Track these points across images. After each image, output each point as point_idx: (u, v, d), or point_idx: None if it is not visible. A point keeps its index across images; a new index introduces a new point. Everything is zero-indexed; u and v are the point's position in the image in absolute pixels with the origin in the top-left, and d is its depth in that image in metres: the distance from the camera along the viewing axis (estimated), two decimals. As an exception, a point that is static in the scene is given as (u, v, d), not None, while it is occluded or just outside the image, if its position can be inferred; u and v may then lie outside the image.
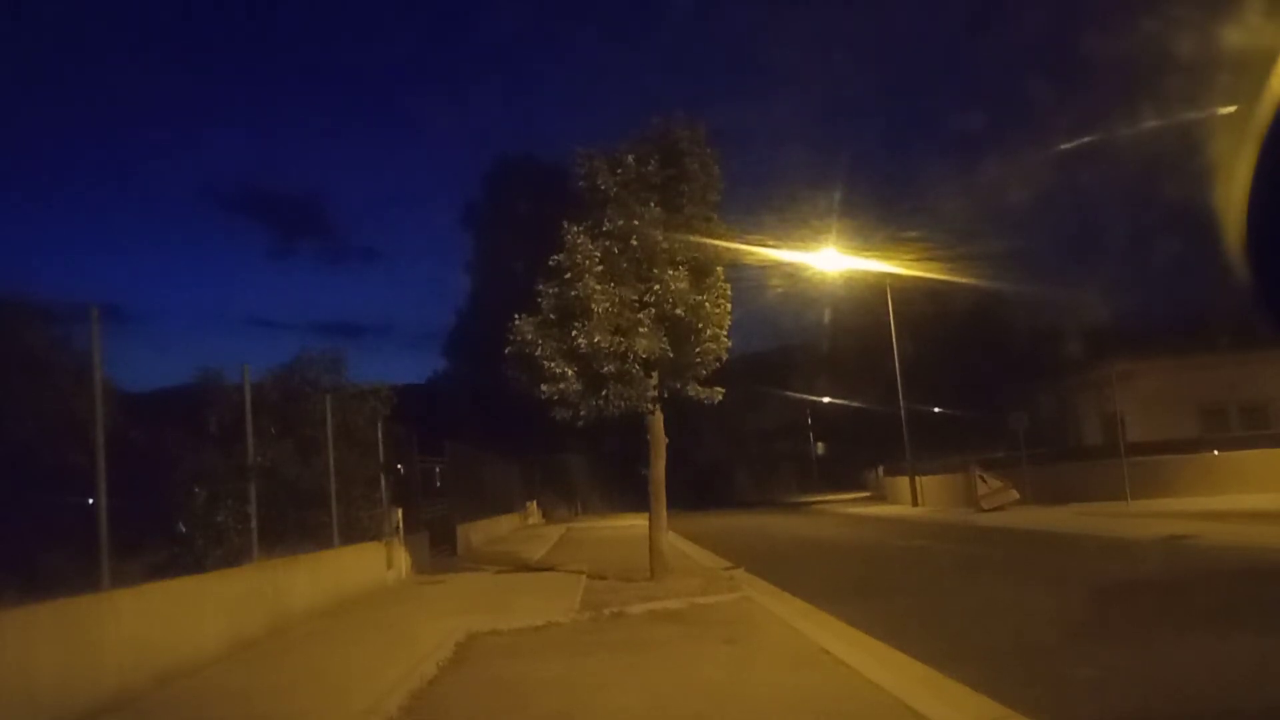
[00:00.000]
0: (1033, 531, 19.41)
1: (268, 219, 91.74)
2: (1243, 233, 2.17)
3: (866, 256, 26.62)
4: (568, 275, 11.89)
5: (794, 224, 22.30)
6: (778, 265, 20.26)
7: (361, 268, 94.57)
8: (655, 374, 12.23)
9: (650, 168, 12.15)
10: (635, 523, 21.46)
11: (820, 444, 59.55)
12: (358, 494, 12.84)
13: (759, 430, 53.94)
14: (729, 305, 12.33)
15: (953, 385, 35.64)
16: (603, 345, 11.66)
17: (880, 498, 41.43)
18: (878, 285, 33.68)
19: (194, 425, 9.99)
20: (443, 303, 75.12)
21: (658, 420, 12.55)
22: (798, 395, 48.46)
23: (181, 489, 9.05)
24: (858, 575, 14.13)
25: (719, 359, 12.32)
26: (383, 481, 13.81)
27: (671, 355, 12.00)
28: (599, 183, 12.14)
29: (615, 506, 41.73)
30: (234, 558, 9.01)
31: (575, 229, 12.02)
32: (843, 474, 54.54)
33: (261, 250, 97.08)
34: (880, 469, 43.46)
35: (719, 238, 12.37)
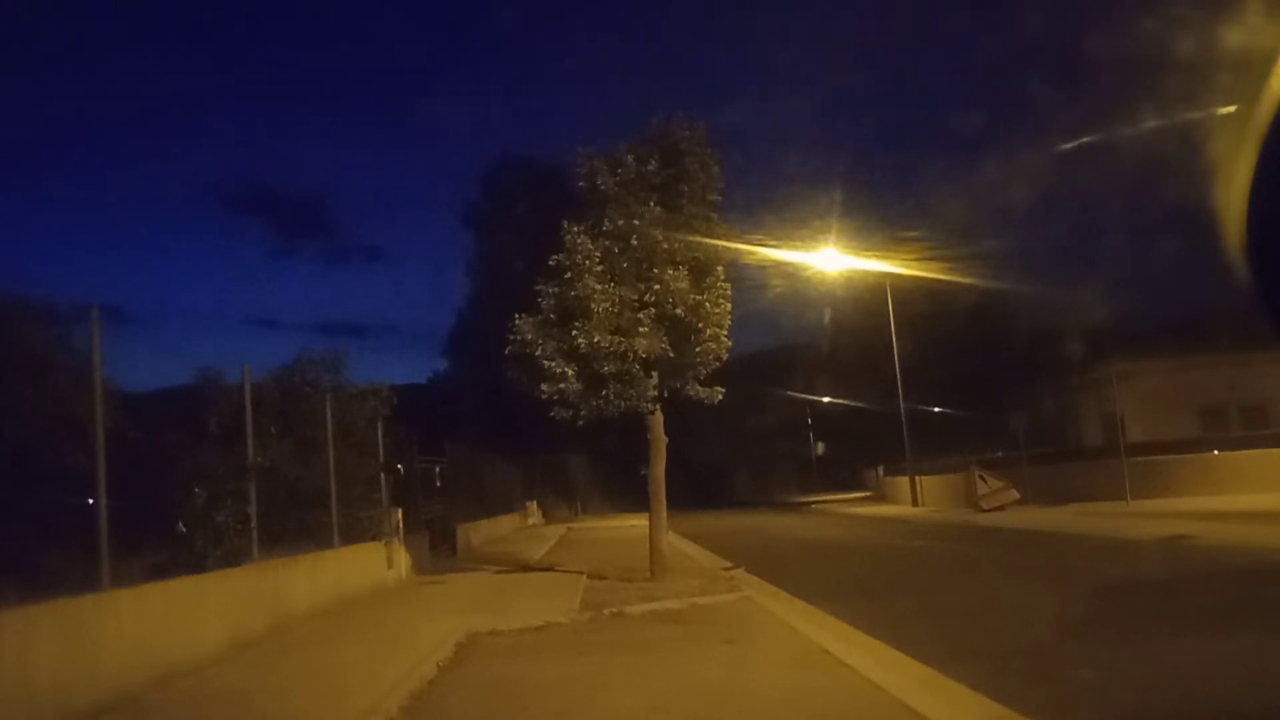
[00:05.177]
0: (1033, 531, 19.41)
1: (269, 218, 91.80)
2: (1243, 233, 2.17)
3: (866, 256, 26.59)
4: (568, 275, 11.89)
5: (794, 224, 22.29)
6: (778, 265, 20.21)
7: (363, 268, 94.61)
8: (655, 374, 12.23)
9: (650, 168, 12.14)
10: (635, 523, 21.45)
11: (820, 444, 59.51)
12: (358, 494, 12.82)
13: (759, 430, 53.87)
14: (729, 305, 12.32)
15: (953, 385, 35.63)
16: (603, 345, 11.66)
17: (880, 498, 41.43)
18: (878, 285, 33.68)
19: (194, 425, 9.98)
20: (443, 303, 75.16)
21: (658, 420, 12.55)
22: (798, 395, 48.45)
23: (181, 489, 9.04)
24: (858, 575, 14.13)
25: (719, 359, 12.31)
26: (383, 482, 13.79)
27: (671, 355, 11.99)
28: (599, 183, 12.14)
29: (615, 506, 41.69)
30: (234, 558, 9.00)
31: (575, 229, 12.02)
32: (843, 474, 54.58)
33: (263, 250, 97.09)
34: (880, 469, 43.47)
35: (719, 238, 12.36)
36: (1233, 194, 2.15)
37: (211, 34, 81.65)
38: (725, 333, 12.24)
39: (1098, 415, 32.45)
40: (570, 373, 11.89)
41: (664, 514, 12.81)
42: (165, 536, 8.79)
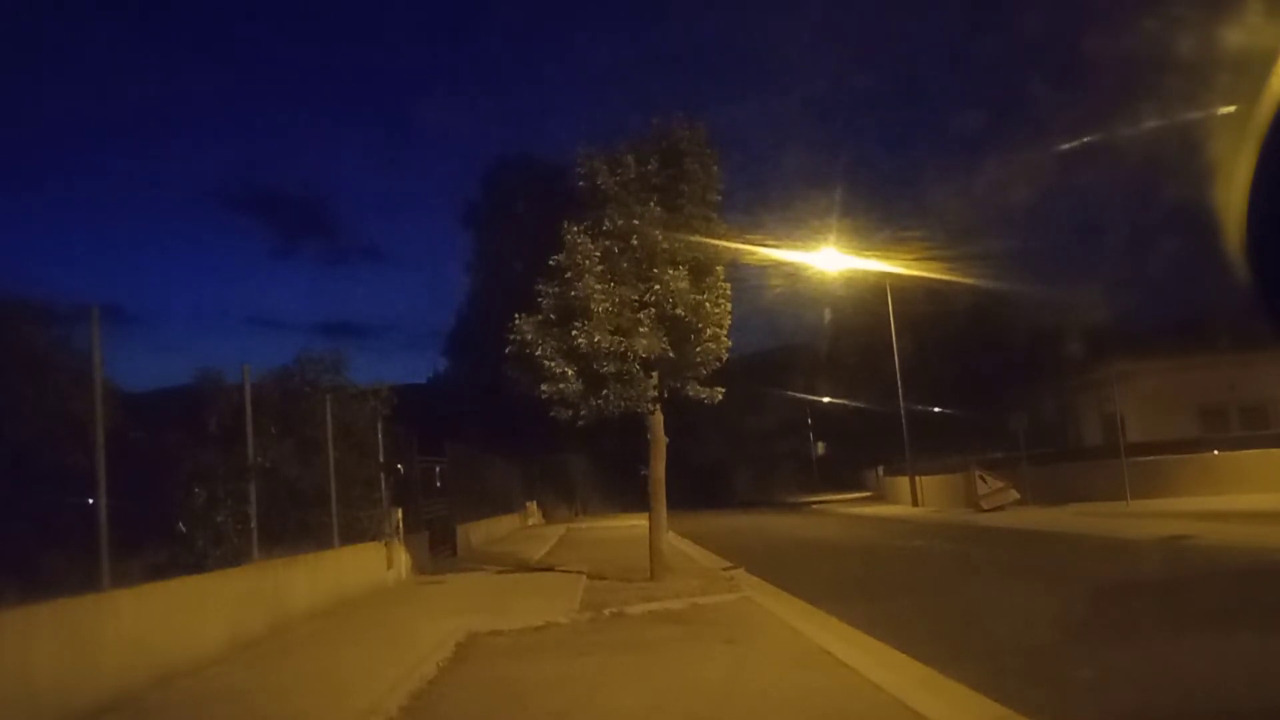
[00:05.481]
0: (1033, 532, 19.41)
1: (270, 218, 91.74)
2: (1243, 233, 2.17)
3: (866, 256, 26.63)
4: (568, 275, 11.89)
5: (794, 224, 22.35)
6: (778, 265, 20.27)
7: (363, 268, 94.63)
8: (655, 374, 12.23)
9: (650, 168, 12.15)
10: (635, 523, 21.44)
11: (820, 444, 59.53)
12: (358, 494, 12.83)
13: (759, 430, 53.87)
14: (729, 305, 12.33)
15: (953, 385, 35.63)
16: (603, 345, 11.66)
17: (880, 498, 41.44)
18: (878, 285, 33.68)
19: (194, 425, 9.97)
20: (443, 303, 75.17)
21: (658, 420, 12.55)
22: (798, 395, 48.46)
23: (181, 489, 9.04)
24: (858, 576, 14.13)
25: (719, 359, 12.31)
26: (383, 482, 13.80)
27: (671, 355, 12.00)
28: (599, 182, 12.14)
29: (615, 506, 41.69)
30: (234, 558, 9.00)
31: (575, 229, 12.02)
32: (843, 474, 54.57)
33: (263, 250, 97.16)
34: (880, 469, 43.47)
35: (719, 238, 12.37)
36: (1233, 194, 2.15)
37: (211, 34, 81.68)
38: (725, 333, 12.24)
39: (1098, 415, 32.44)
40: (570, 373, 11.89)
41: (664, 514, 12.81)
42: (165, 536, 8.78)
